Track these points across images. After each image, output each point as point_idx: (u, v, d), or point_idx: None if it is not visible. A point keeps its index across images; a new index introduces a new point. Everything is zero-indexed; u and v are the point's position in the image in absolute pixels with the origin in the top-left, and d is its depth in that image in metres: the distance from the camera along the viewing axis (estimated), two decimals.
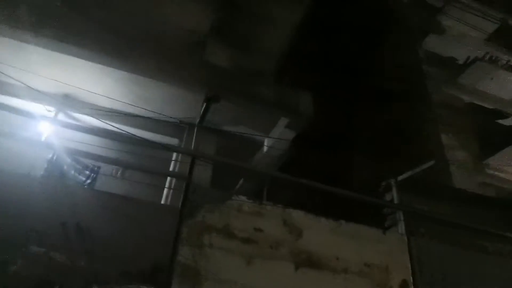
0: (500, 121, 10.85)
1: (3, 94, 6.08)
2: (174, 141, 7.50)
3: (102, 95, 6.53)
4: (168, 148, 4.63)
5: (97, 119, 5.54)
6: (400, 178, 4.62)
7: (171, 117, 5.87)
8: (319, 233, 3.87)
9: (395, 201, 4.50)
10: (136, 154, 5.74)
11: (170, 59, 6.60)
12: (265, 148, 7.86)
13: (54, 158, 6.04)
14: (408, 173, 4.59)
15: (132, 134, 4.33)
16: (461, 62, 10.86)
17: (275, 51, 8.21)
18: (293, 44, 8.40)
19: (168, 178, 6.35)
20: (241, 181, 8.85)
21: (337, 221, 3.99)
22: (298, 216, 3.87)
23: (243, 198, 3.76)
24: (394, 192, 4.54)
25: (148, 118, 6.03)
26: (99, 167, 6.50)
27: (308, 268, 3.63)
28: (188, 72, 6.61)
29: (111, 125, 5.10)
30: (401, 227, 4.30)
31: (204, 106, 5.12)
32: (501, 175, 8.89)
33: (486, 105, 10.33)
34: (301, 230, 3.79)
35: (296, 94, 7.52)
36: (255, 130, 7.98)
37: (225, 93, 6.99)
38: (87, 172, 6.41)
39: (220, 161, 5.01)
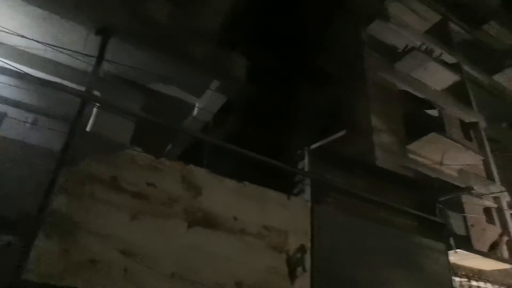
0: (427, 111, 11.38)
1: None
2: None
3: (12, 33, 5.68)
4: (56, 87, 4.07)
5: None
6: (312, 146, 4.51)
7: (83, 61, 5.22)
8: (220, 193, 3.65)
9: (306, 169, 4.40)
10: (49, 99, 5.14)
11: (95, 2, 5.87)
12: (195, 111, 7.50)
13: None
14: (320, 142, 4.49)
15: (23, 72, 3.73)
16: (400, 49, 11.09)
17: (215, 12, 7.73)
18: (235, 8, 7.96)
19: None
20: (169, 146, 8.44)
21: (241, 183, 3.79)
22: (199, 174, 3.61)
23: (138, 149, 3.40)
24: (306, 160, 4.43)
25: (58, 62, 5.35)
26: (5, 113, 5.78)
27: (202, 227, 3.41)
28: (115, 19, 5.95)
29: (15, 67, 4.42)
30: (308, 194, 4.21)
31: (100, 41, 4.54)
32: (420, 159, 9.29)
33: (417, 94, 10.68)
34: (201, 189, 3.54)
35: (231, 58, 7.17)
36: (187, 92, 7.55)
37: (157, 47, 6.48)
38: None
39: (124, 111, 4.52)
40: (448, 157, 9.93)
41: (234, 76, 6.53)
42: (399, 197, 5.19)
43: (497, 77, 13.59)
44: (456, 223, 9.44)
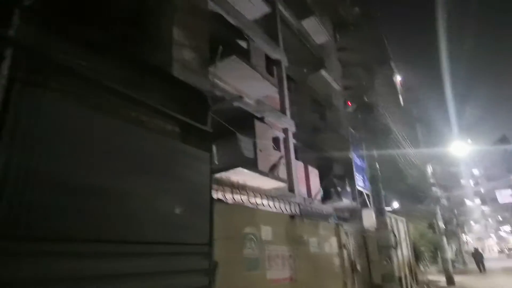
0: (238, 40, 11.16)
1: None
2: None
3: None
4: None
5: None
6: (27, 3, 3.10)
7: None
8: None
9: (12, 34, 3.01)
10: None
11: None
12: None
13: None
14: None
15: None
16: None
17: None
18: None
19: None
20: None
21: None
22: None
23: None
24: (16, 20, 3.01)
25: None
26: None
27: None
28: None
29: None
30: (5, 68, 2.88)
31: None
32: (221, 83, 9.03)
33: (228, 18, 10.18)
34: None
35: None
36: None
37: None
38: None
39: None
40: (248, 86, 10.07)
41: None
42: (164, 98, 4.41)
43: (304, 23, 14.56)
44: (247, 147, 9.87)
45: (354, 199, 12.58)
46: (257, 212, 5.96)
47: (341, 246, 8.62)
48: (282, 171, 10.29)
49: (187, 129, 4.76)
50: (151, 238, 4.11)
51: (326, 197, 12.09)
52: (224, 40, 10.33)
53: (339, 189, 12.25)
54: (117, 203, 3.75)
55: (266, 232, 5.90)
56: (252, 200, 8.47)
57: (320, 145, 13.16)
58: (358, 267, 10.06)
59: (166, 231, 4.27)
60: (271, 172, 9.40)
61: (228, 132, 9.18)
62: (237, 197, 7.75)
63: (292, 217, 6.87)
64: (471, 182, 59.21)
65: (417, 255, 17.16)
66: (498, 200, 38.24)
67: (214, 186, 5.91)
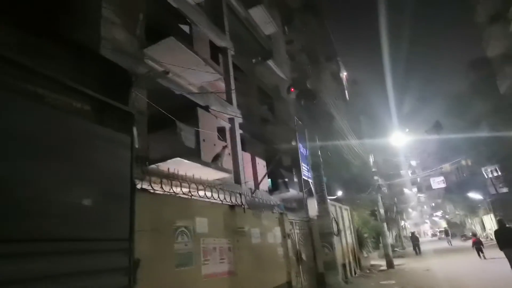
0: (180, 25, 10.43)
1: None
2: None
3: None
4: None
5: None
6: None
7: None
8: None
9: None
10: None
11: None
12: None
13: None
14: None
15: None
16: None
17: None
18: None
19: None
20: None
21: None
22: None
23: None
24: None
25: None
26: None
27: None
28: None
29: None
30: None
31: None
32: (157, 67, 8.27)
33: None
34: None
35: None
36: None
37: None
38: None
39: None
40: (190, 72, 9.38)
41: None
42: (73, 71, 3.68)
43: (252, 12, 14.08)
44: (188, 137, 9.20)
45: (300, 189, 12.44)
46: (191, 203, 5.40)
47: (285, 235, 8.34)
48: (226, 162, 9.78)
49: (103, 108, 4.06)
50: (56, 235, 3.41)
51: (274, 188, 11.81)
52: (165, 24, 9.59)
53: (286, 179, 12.02)
54: (11, 195, 3.02)
55: (201, 224, 5.38)
56: (193, 191, 7.89)
57: (269, 136, 12.85)
58: (304, 256, 9.90)
59: (74, 226, 3.58)
60: (214, 162, 8.85)
61: (169, 121, 8.47)
62: (175, 188, 7.13)
63: (232, 207, 6.40)
64: (409, 173, 63.32)
65: (360, 242, 17.63)
66: (432, 186, 41.12)
67: (150, 177, 5.28)
